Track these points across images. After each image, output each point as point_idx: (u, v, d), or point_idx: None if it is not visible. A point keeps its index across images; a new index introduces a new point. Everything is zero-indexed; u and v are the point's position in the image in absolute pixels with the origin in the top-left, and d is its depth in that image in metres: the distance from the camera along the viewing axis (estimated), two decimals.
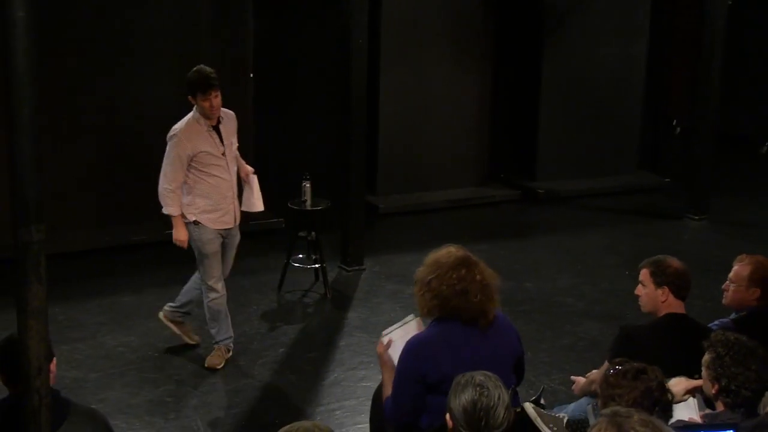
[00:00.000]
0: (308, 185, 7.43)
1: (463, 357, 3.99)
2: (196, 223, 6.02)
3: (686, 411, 3.99)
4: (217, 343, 6.28)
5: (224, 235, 6.15)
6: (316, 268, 7.64)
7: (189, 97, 5.92)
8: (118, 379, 6.14)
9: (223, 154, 6.01)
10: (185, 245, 6.08)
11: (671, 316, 4.58)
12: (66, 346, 6.41)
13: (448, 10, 9.87)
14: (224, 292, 6.19)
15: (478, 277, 4.09)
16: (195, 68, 5.96)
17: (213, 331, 6.28)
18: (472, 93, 10.14)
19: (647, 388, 3.56)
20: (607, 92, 10.69)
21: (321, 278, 7.58)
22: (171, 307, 6.43)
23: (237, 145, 6.19)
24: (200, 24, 8.64)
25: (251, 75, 8.92)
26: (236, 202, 6.16)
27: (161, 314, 6.44)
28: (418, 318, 4.37)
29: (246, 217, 8.88)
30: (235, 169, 6.18)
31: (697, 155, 9.76)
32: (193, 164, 5.93)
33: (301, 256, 7.68)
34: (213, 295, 6.15)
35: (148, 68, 8.36)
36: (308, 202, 7.45)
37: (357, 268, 8.04)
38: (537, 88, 10.41)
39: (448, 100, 10.03)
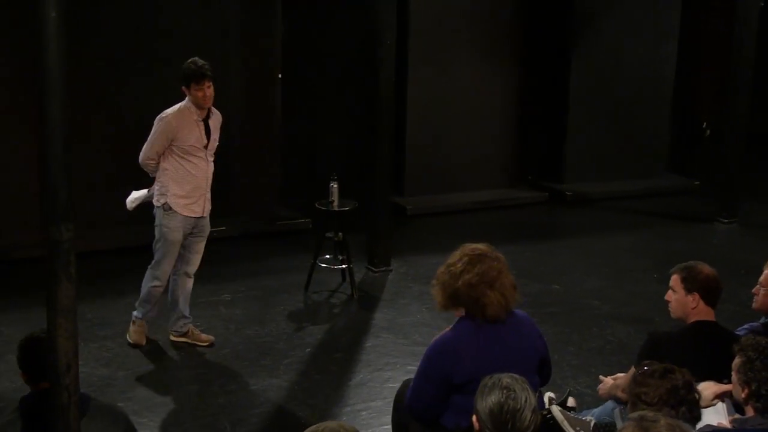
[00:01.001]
0: (336, 186, 7.44)
1: (487, 357, 4.00)
2: (165, 207, 6.21)
3: (715, 416, 3.96)
4: (139, 319, 6.46)
5: (192, 224, 6.31)
6: (343, 268, 7.65)
7: (183, 87, 6.18)
8: (145, 377, 6.18)
9: (206, 146, 6.24)
10: None
11: (700, 324, 4.54)
12: (94, 344, 6.46)
13: (477, 11, 9.85)
14: (165, 284, 6.39)
15: (496, 271, 4.11)
16: (190, 60, 6.21)
17: (142, 310, 6.45)
18: (500, 94, 10.12)
19: (673, 386, 3.56)
20: (636, 94, 10.63)
21: (348, 279, 7.59)
22: (171, 323, 6.58)
23: (218, 143, 6.39)
24: (229, 25, 8.67)
25: (279, 76, 8.95)
26: (208, 195, 6.34)
27: (170, 336, 6.59)
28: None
29: (273, 217, 8.98)
30: (212, 162, 6.36)
31: (727, 157, 9.68)
32: (174, 149, 6.16)
33: (328, 256, 7.69)
34: (156, 283, 6.38)
35: (175, 70, 8.37)
36: (335, 203, 7.46)
37: (384, 269, 8.04)
38: (565, 89, 10.37)
39: (476, 102, 10.01)
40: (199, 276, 7.33)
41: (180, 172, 6.20)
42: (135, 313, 6.53)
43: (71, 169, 3.63)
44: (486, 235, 8.72)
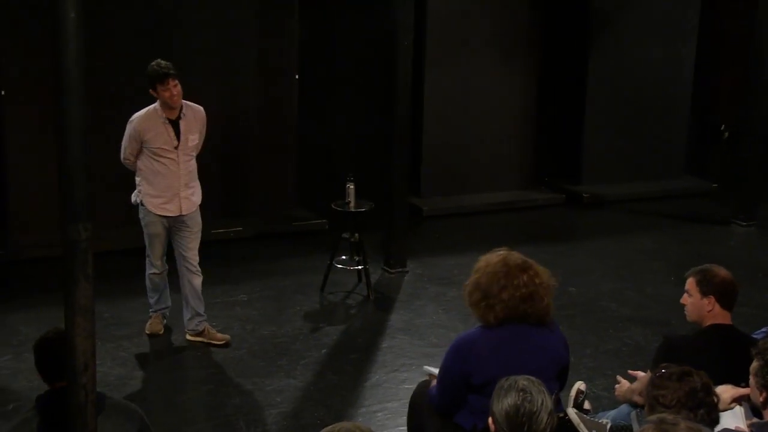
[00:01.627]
0: (352, 187, 7.44)
1: (510, 360, 3.99)
2: (141, 204, 6.39)
3: (733, 419, 3.93)
4: (154, 311, 6.67)
5: (171, 222, 6.41)
6: (359, 269, 7.65)
7: (150, 90, 6.24)
8: (161, 376, 6.20)
9: (176, 147, 6.28)
10: None
11: (716, 327, 4.52)
12: (111, 344, 6.49)
13: (494, 11, 9.83)
14: (164, 269, 6.55)
15: (537, 280, 4.11)
16: (153, 62, 6.26)
17: (152, 301, 6.66)
18: (517, 95, 10.10)
19: (692, 389, 3.55)
20: (654, 95, 10.59)
21: (364, 280, 7.59)
22: (187, 322, 6.62)
23: (197, 141, 6.44)
24: (246, 26, 8.69)
25: (297, 77, 8.96)
26: (185, 194, 6.38)
27: (187, 336, 6.64)
28: None
29: (290, 217, 8.99)
30: (191, 162, 6.41)
31: (745, 160, 9.63)
32: (144, 149, 6.29)
33: (344, 257, 7.69)
34: (153, 270, 6.53)
35: (194, 71, 8.40)
36: (352, 204, 7.47)
37: (400, 270, 8.03)
38: (583, 90, 10.33)
39: (493, 102, 9.99)
40: (214, 276, 7.38)
41: (151, 172, 6.31)
42: (151, 309, 6.70)
43: (89, 168, 3.64)
44: (502, 236, 8.74)
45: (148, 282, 6.61)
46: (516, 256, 4.18)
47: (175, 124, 6.28)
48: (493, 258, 4.19)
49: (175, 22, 8.41)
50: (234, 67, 8.71)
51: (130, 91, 8.27)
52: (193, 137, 6.37)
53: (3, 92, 7.85)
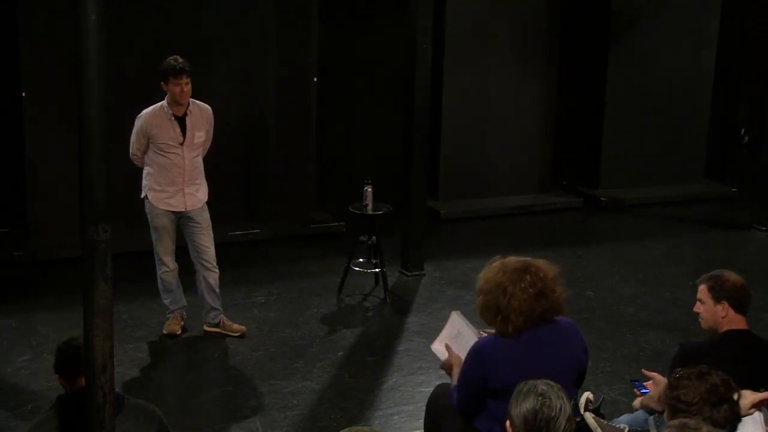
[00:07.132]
0: (370, 189, 7.45)
1: (528, 366, 3.97)
2: (146, 198, 6.47)
3: (752, 425, 3.90)
4: (171, 312, 6.68)
5: (177, 217, 6.49)
6: (376, 272, 7.65)
7: (161, 83, 6.33)
8: (179, 378, 6.22)
9: (181, 143, 6.37)
10: None
11: (733, 333, 4.48)
12: (129, 345, 6.52)
13: (513, 15, 9.82)
14: (174, 266, 6.58)
15: (542, 274, 4.11)
16: (170, 57, 6.34)
17: (167, 302, 6.67)
18: (535, 98, 10.07)
19: (712, 385, 3.53)
20: (673, 99, 10.53)
21: (381, 282, 7.59)
22: (203, 316, 6.69)
23: (204, 139, 6.51)
24: (266, 30, 8.70)
25: (315, 80, 8.97)
26: (190, 190, 6.45)
27: (204, 327, 6.70)
28: (456, 312, 4.61)
29: (308, 220, 9.01)
30: (196, 159, 6.49)
31: (766, 164, 9.56)
32: (151, 144, 6.39)
33: (361, 260, 7.69)
34: (163, 268, 6.58)
35: (213, 74, 8.42)
36: (370, 207, 7.47)
37: (417, 273, 8.02)
38: (602, 94, 10.29)
39: (512, 106, 9.97)
40: (232, 278, 7.40)
41: (155, 167, 6.41)
42: (168, 310, 6.72)
43: (109, 169, 3.66)
44: (520, 240, 8.72)
45: (159, 283, 6.64)
46: (512, 260, 4.17)
47: (181, 120, 6.37)
48: (490, 271, 4.17)
49: (196, 25, 8.43)
50: (253, 70, 8.73)
51: (151, 94, 8.30)
52: (200, 134, 6.44)
53: (24, 93, 7.90)
